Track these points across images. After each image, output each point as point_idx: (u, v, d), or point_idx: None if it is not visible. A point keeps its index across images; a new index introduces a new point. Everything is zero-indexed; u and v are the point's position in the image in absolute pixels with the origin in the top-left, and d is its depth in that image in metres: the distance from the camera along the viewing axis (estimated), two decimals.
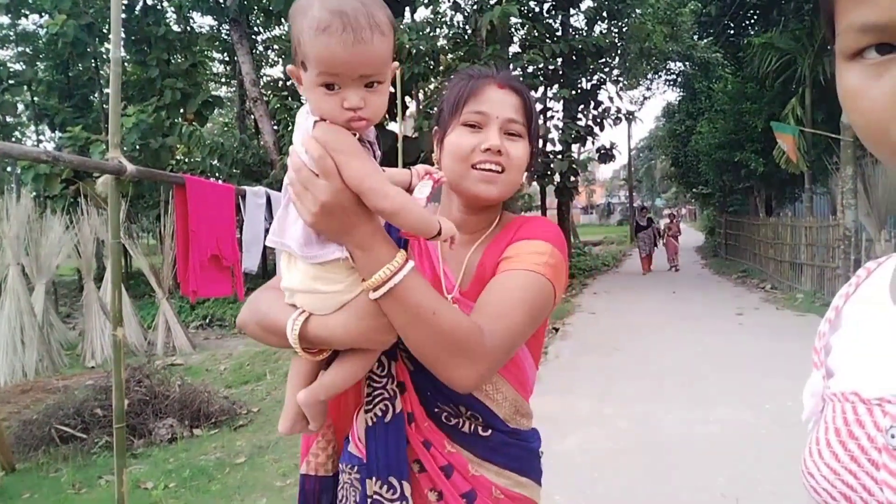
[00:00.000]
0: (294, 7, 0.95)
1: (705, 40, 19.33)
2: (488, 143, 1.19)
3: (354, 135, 0.98)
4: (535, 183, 16.89)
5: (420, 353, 1.07)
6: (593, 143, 17.21)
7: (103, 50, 15.06)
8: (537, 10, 16.40)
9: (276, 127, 13.64)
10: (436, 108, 1.31)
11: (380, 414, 1.18)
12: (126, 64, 14.86)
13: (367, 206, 0.99)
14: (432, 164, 1.31)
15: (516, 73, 13.58)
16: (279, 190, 5.51)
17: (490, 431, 1.21)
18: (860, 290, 0.71)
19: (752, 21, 16.21)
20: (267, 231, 4.84)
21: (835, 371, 0.68)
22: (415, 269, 1.03)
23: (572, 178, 16.32)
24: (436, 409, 1.20)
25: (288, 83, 14.60)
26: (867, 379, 0.61)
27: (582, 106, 17.06)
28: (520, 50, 15.03)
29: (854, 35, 0.54)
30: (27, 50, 16.39)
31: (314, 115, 0.98)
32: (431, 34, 11.93)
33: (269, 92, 14.36)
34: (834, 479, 0.60)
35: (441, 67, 12.01)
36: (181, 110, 13.77)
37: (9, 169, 14.43)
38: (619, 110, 17.62)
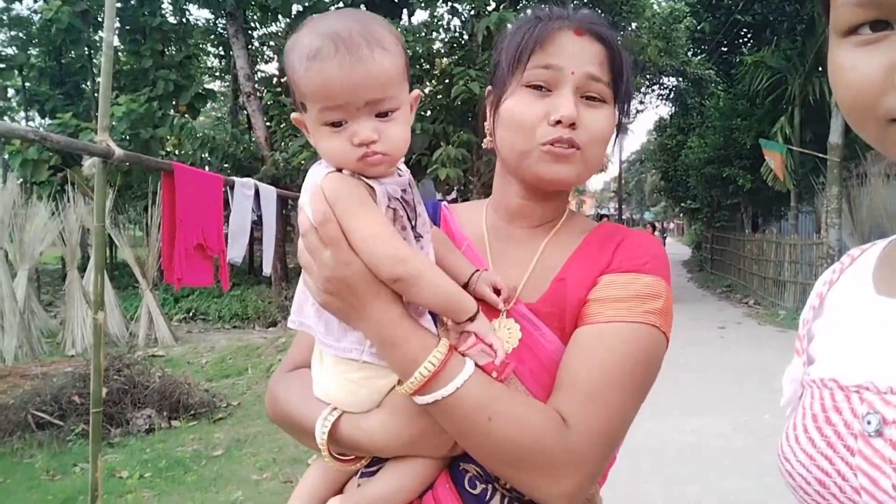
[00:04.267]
0: (286, 45, 0.81)
1: (699, 56, 19.53)
2: (559, 114, 0.88)
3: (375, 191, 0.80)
4: None
5: (489, 467, 0.82)
6: None
7: (97, 38, 14.98)
8: None
9: (268, 123, 13.61)
10: (492, 61, 0.99)
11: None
12: (120, 53, 14.78)
13: (387, 286, 0.78)
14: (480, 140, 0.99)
15: None
16: (269, 184, 5.50)
17: None
18: (843, 278, 0.72)
19: (745, 39, 16.40)
20: (254, 223, 4.81)
21: (815, 358, 0.69)
22: (475, 373, 0.78)
23: None
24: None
25: (283, 80, 14.60)
26: (846, 366, 0.62)
27: None
28: None
29: (850, 9, 0.55)
30: (20, 34, 16.24)
31: (327, 167, 0.81)
32: (427, 37, 11.97)
33: (263, 88, 14.34)
34: (810, 465, 0.60)
35: (436, 71, 12.06)
36: (173, 102, 13.69)
37: None
38: None
